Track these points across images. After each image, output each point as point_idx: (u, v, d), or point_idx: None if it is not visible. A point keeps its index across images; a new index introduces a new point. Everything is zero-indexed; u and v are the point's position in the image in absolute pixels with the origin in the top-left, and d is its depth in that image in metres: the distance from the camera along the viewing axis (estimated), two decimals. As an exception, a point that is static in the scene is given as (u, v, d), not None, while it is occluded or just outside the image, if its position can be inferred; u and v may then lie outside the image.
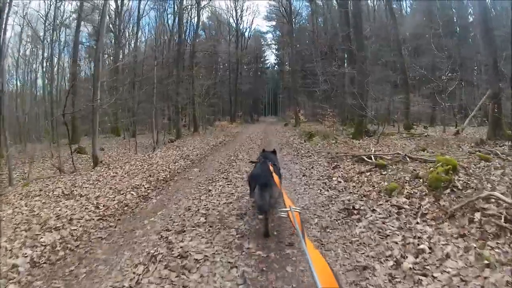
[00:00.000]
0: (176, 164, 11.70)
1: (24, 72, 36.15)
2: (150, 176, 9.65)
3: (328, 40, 35.12)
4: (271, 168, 4.82)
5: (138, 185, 8.62)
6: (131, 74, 30.63)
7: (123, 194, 7.88)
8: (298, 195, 6.82)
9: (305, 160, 10.91)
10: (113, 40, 35.45)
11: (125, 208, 6.98)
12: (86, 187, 9.10)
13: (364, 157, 9.47)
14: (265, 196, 4.37)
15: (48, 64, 33.42)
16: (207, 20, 47.87)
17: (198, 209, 6.19)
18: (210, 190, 7.51)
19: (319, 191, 7.06)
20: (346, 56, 26.44)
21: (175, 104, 26.59)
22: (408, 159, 8.75)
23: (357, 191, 6.82)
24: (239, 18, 47.26)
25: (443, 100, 20.04)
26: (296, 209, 2.33)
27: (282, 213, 2.50)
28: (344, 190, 7.00)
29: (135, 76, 27.33)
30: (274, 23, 52.47)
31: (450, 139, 14.35)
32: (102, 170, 11.73)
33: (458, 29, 30.92)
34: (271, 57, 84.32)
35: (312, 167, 9.60)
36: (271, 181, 4.41)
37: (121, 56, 34.55)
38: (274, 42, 59.38)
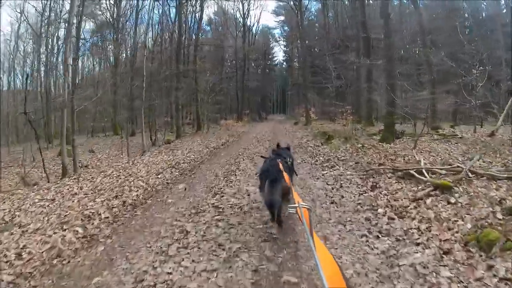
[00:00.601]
0: (159, 176, 8.92)
1: (23, 69, 34.43)
2: (117, 196, 6.90)
3: (341, 33, 32.18)
4: (280, 165, 4.46)
5: (93, 213, 5.89)
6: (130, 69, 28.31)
7: (66, 230, 5.15)
8: (331, 244, 4.01)
9: (328, 173, 8.02)
10: (113, 35, 32.95)
11: (54, 261, 4.27)
12: (32, 211, 6.54)
13: (413, 172, 6.65)
14: (275, 191, 4.12)
15: (46, 60, 31.66)
16: (213, 15, 45.26)
17: (155, 285, 3.39)
18: (188, 233, 4.67)
19: (364, 238, 4.23)
20: (363, 46, 23.30)
21: (175, 101, 23.73)
22: (469, 173, 6.04)
23: (427, 239, 4.04)
24: (246, 12, 44.28)
25: (475, 96, 17.15)
26: (304, 205, 2.23)
27: (291, 210, 2.40)
28: (404, 237, 4.20)
29: (132, 71, 24.59)
30: (282, 18, 49.90)
31: (490, 142, 11.87)
32: (68, 183, 9.03)
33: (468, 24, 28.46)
34: (279, 54, 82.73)
35: (341, 186, 6.73)
36: (281, 176, 4.15)
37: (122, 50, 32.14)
38: (282, 39, 57.18)
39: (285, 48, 58.98)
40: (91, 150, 21.34)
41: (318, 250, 1.52)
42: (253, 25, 49.26)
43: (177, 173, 9.32)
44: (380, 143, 11.49)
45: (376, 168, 7.55)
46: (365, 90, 21.62)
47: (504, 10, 28.77)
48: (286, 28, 52.67)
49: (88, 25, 34.41)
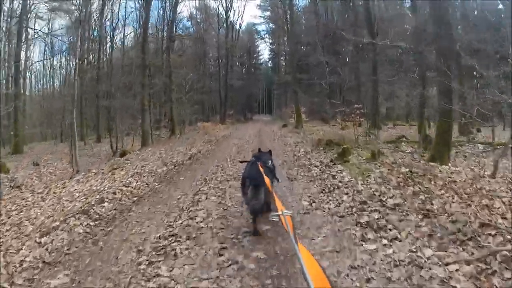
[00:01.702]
0: (42, 241, 4.48)
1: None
2: None
3: (335, 22, 27.82)
4: (261, 168, 4.23)
5: None
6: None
7: None
8: None
9: (380, 251, 3.45)
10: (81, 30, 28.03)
11: None
12: None
13: None
14: (259, 196, 3.95)
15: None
16: (194, 9, 40.13)
17: None
18: None
19: None
20: (367, 29, 18.80)
21: (141, 100, 18.98)
22: None
23: None
24: (229, 5, 39.45)
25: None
26: (287, 212, 2.04)
27: (274, 217, 2.41)
28: None
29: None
30: (268, 13, 45.22)
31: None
32: None
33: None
34: (264, 52, 79.07)
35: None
36: (264, 181, 3.86)
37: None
38: (268, 36, 52.62)
39: (271, 46, 54.47)
40: (36, 162, 16.50)
41: (304, 257, 1.38)
42: (237, 19, 44.42)
43: (80, 232, 4.74)
44: (432, 164, 7.00)
45: (495, 249, 3.11)
46: (371, 84, 17.37)
47: (500, 6, 25.29)
48: (271, 25, 48.13)
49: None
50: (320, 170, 7.63)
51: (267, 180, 3.81)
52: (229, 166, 9.20)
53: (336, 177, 6.68)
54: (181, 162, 10.29)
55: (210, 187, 6.81)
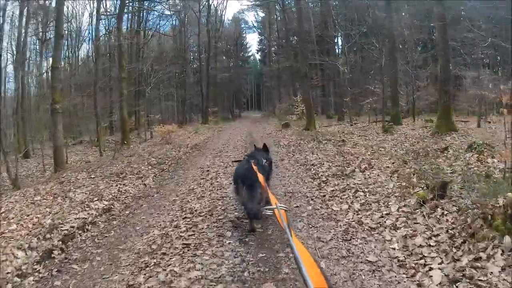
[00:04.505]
0: None
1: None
2: None
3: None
4: (254, 167, 3.87)
5: None
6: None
7: None
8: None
9: None
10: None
11: None
12: None
13: None
14: (254, 197, 3.62)
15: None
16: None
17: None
18: None
19: None
20: None
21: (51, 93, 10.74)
22: None
23: None
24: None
25: None
26: (282, 206, 1.96)
27: (268, 211, 2.32)
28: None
29: None
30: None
31: None
32: None
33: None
34: (253, 44, 73.12)
35: None
36: (258, 181, 3.61)
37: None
38: (257, 25, 45.55)
39: (259, 36, 47.61)
40: None
41: (299, 250, 1.32)
42: (219, 4, 36.05)
43: None
44: None
45: None
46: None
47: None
48: (260, 12, 41.01)
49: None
50: None
51: (261, 177, 3.52)
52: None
53: None
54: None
55: None
